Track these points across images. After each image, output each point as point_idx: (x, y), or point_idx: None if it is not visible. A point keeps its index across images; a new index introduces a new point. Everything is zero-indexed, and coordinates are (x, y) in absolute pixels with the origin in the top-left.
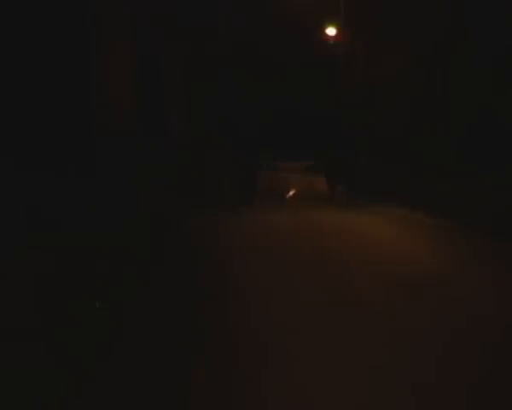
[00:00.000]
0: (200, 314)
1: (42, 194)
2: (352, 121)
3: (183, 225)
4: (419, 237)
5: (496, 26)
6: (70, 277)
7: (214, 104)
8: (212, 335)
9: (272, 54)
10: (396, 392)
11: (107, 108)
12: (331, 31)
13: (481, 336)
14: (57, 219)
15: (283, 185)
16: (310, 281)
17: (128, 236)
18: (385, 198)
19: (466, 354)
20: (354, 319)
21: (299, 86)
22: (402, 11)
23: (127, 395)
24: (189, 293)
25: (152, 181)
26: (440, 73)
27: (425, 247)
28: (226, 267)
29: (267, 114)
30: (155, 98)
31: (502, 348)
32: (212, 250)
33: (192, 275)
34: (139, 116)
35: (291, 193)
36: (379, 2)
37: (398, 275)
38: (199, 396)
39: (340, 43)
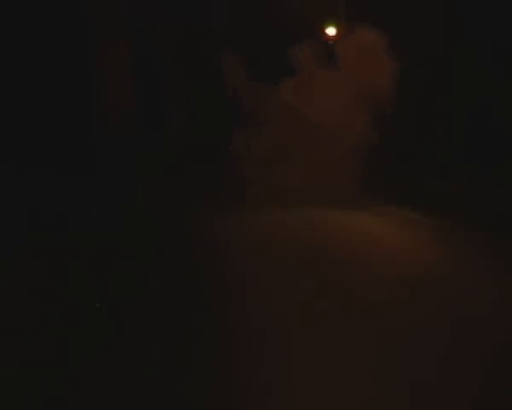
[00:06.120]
0: (199, 315)
1: (41, 194)
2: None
3: (182, 225)
4: (419, 237)
5: (496, 25)
6: (69, 277)
7: (214, 104)
8: (211, 335)
9: (272, 54)
10: (395, 392)
11: (107, 108)
12: (331, 31)
13: (481, 337)
14: (56, 219)
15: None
16: (309, 281)
17: (128, 236)
18: (385, 198)
19: (466, 354)
20: (354, 319)
21: None
22: (402, 11)
23: (126, 393)
24: (188, 292)
25: (151, 181)
26: (440, 73)
27: (425, 247)
28: (225, 267)
29: None
30: (155, 98)
31: (502, 348)
32: (210, 250)
33: (190, 274)
34: (139, 116)
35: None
36: (379, 3)
37: (398, 275)
38: (198, 396)
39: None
